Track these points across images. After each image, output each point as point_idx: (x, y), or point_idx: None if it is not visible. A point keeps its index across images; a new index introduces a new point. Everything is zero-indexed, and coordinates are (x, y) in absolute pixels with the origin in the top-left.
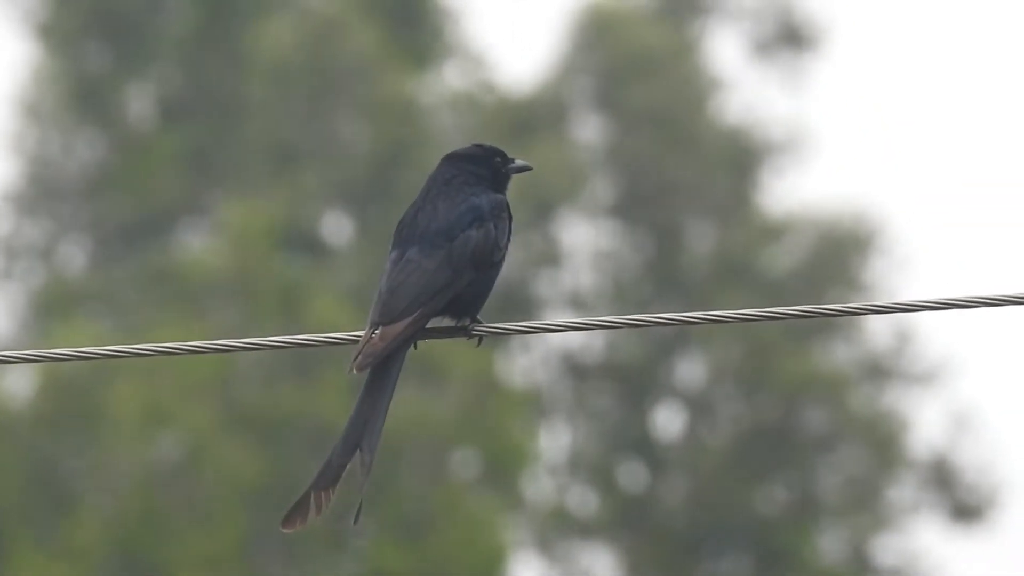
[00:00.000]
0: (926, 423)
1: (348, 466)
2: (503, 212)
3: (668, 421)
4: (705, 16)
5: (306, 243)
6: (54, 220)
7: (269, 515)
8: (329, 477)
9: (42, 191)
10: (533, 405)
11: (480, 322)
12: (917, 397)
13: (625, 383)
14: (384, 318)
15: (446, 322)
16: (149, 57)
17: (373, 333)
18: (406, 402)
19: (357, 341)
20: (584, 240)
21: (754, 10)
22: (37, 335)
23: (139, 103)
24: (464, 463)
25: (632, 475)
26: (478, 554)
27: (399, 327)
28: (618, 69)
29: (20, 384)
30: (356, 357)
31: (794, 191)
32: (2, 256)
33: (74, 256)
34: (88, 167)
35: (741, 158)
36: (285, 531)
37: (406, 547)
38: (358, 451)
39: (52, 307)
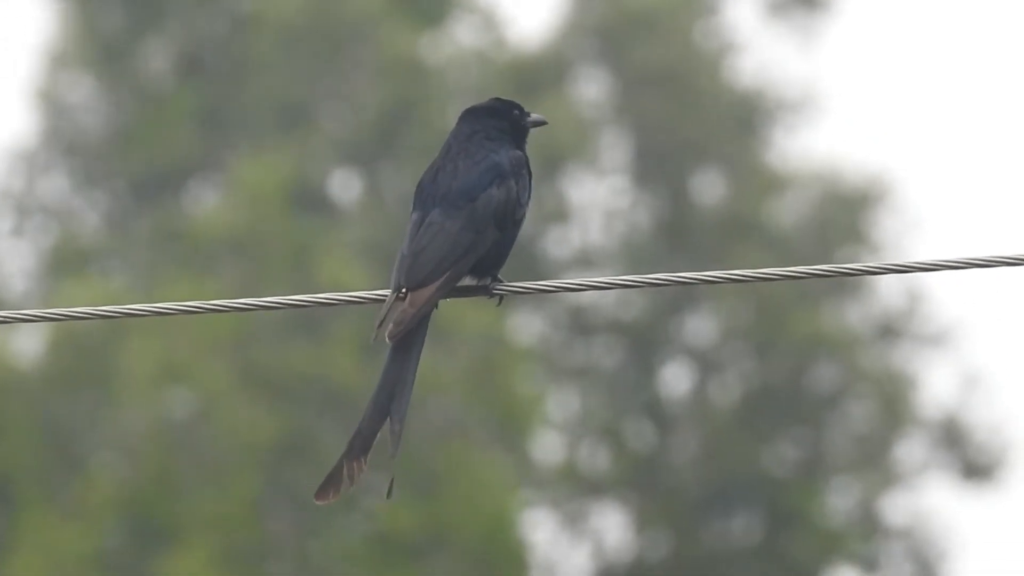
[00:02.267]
0: (937, 383)
1: (379, 434)
2: (523, 169)
3: (677, 379)
4: None
5: (315, 201)
6: (68, 177)
7: (281, 474)
8: (360, 446)
9: (56, 148)
10: (542, 364)
11: (501, 281)
12: (928, 357)
13: (634, 341)
14: (411, 282)
15: (467, 281)
16: (163, 15)
17: (399, 297)
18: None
19: (375, 300)
20: (593, 197)
21: None
22: (49, 292)
23: (153, 61)
24: (473, 422)
25: (641, 434)
26: (488, 514)
27: (428, 292)
28: (623, 26)
29: (31, 342)
30: (381, 324)
31: (804, 149)
32: (16, 213)
33: (87, 213)
34: (102, 125)
35: (750, 116)
36: (319, 503)
37: (416, 507)
38: (387, 419)
39: (65, 265)
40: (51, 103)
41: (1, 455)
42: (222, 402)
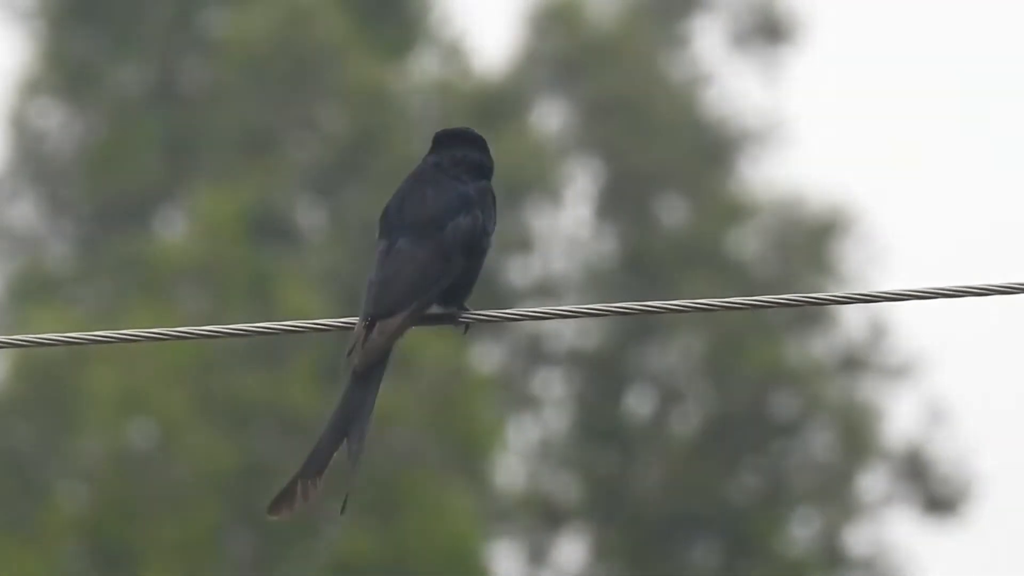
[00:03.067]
0: (900, 415)
1: (335, 454)
2: (487, 197)
3: (638, 408)
4: (681, 7)
5: (278, 230)
6: (35, 204)
7: (241, 502)
8: (316, 465)
9: (24, 175)
10: (502, 392)
11: (467, 310)
12: (891, 389)
13: (594, 369)
14: (380, 311)
15: (433, 310)
16: (132, 42)
17: (367, 326)
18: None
19: (342, 328)
20: (554, 227)
21: (726, 2)
22: (14, 319)
23: (121, 88)
24: (433, 451)
25: (602, 462)
26: (448, 540)
27: (397, 320)
28: (583, 55)
29: None
30: (351, 352)
31: (768, 179)
32: None
33: (54, 240)
34: (70, 151)
35: (712, 145)
36: (272, 518)
37: (377, 535)
38: (345, 440)
39: (31, 292)
40: (20, 129)
41: None
42: (182, 430)
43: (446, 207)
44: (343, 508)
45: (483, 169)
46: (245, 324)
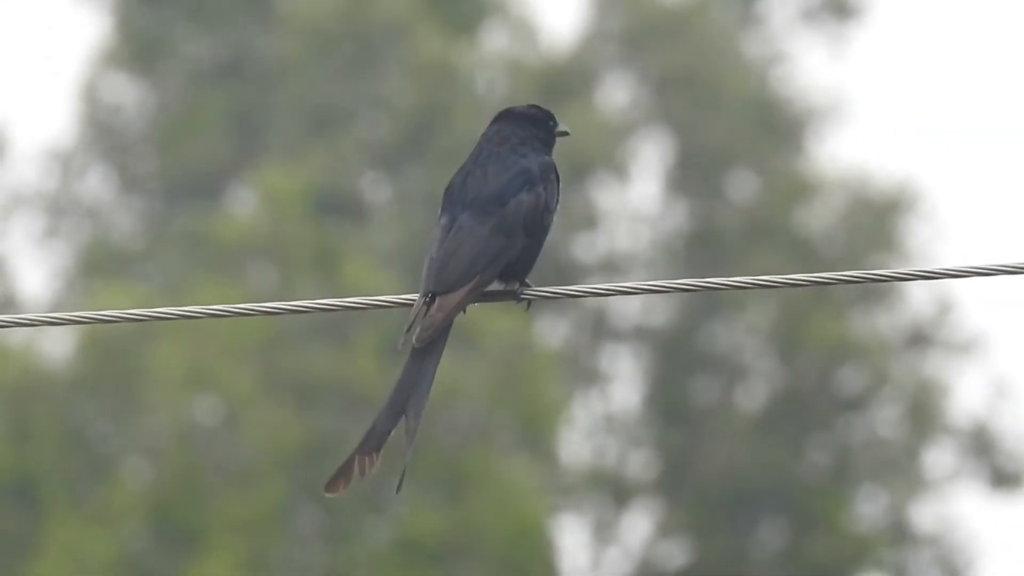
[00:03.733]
0: (966, 391)
1: (393, 431)
2: (551, 174)
3: (704, 384)
4: None
5: (344, 206)
6: (104, 179)
7: (307, 479)
8: (374, 442)
9: (94, 150)
10: (568, 369)
11: (529, 286)
12: (957, 365)
13: (661, 346)
14: (439, 286)
15: (495, 286)
16: (200, 19)
17: (427, 302)
18: (442, 365)
19: (403, 305)
20: (620, 203)
21: None
22: (81, 296)
23: (187, 64)
24: (499, 427)
25: (668, 439)
26: (514, 519)
27: (457, 296)
28: (649, 30)
29: (59, 345)
30: (409, 328)
31: (834, 155)
32: (51, 213)
33: (121, 216)
34: (138, 127)
35: (779, 121)
36: (329, 495)
37: (443, 512)
38: (403, 417)
39: (97, 268)
40: (92, 103)
41: (27, 458)
42: (248, 406)
43: (508, 184)
44: (399, 486)
45: (543, 145)
46: (304, 301)
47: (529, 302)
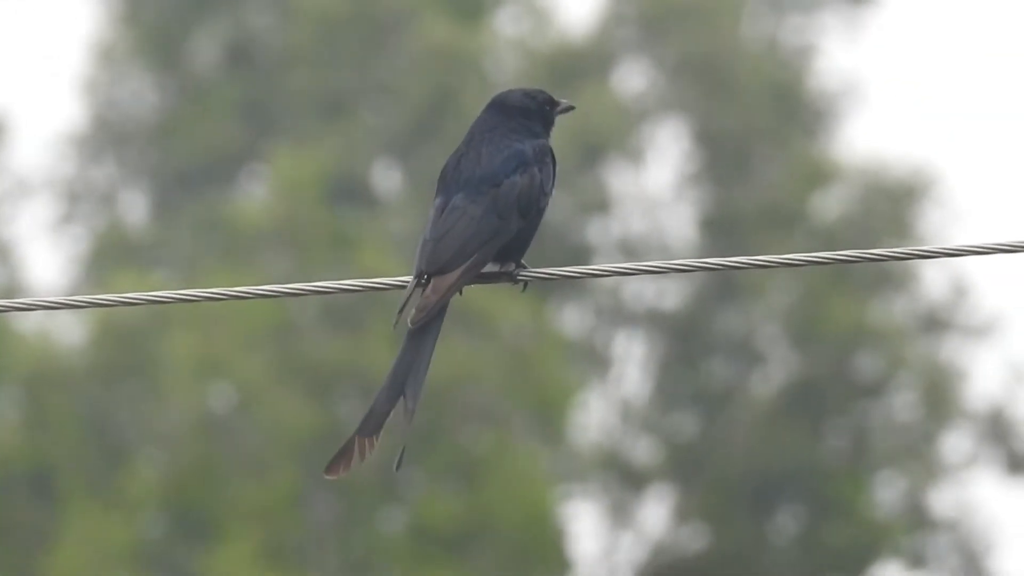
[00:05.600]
0: (982, 375)
1: (392, 413)
2: (547, 157)
3: (720, 369)
4: None
5: (356, 192)
6: (117, 165)
7: (321, 466)
8: (373, 424)
9: (105, 138)
10: (582, 353)
11: (525, 267)
12: (973, 349)
13: (675, 331)
14: (432, 267)
15: (490, 268)
16: (209, 7)
17: (422, 283)
18: (455, 351)
19: (400, 287)
20: (635, 187)
21: None
22: (95, 283)
23: (199, 53)
24: (512, 412)
25: (684, 424)
26: (527, 504)
27: (451, 278)
28: (665, 15)
29: (74, 333)
30: (402, 309)
31: (850, 141)
32: (66, 199)
33: (134, 203)
34: (149, 115)
35: (794, 107)
36: (329, 477)
37: (456, 498)
38: (401, 398)
39: (110, 255)
40: (99, 93)
41: (44, 447)
42: (261, 394)
43: (502, 165)
44: (398, 464)
45: (538, 127)
46: (300, 284)
47: (525, 283)
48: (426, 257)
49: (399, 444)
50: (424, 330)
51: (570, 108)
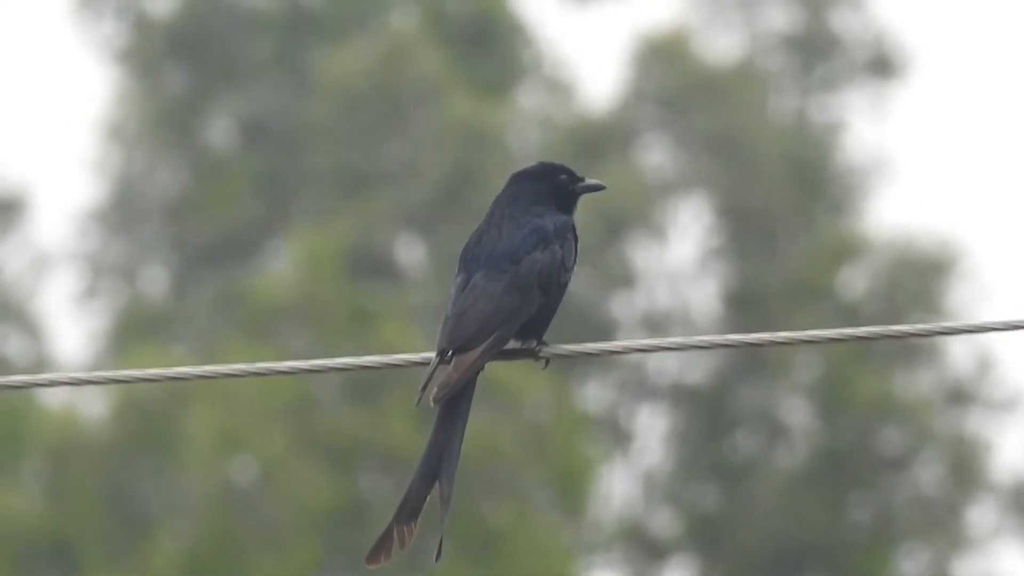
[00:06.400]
0: (1008, 448)
1: (428, 498)
2: (568, 233)
3: (744, 442)
4: (790, 46)
5: (378, 267)
6: (136, 241)
7: (340, 538)
8: (410, 510)
9: (124, 214)
10: (606, 427)
11: (546, 344)
12: (998, 422)
13: (700, 405)
14: (453, 344)
15: (512, 344)
16: (225, 82)
17: (444, 361)
18: (476, 425)
19: (421, 364)
20: (658, 263)
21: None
22: (118, 357)
23: (217, 128)
24: (535, 485)
25: (706, 496)
26: (550, 575)
27: (473, 355)
28: (687, 92)
29: (96, 406)
30: (424, 387)
31: (876, 216)
32: (89, 273)
33: (154, 278)
34: (168, 189)
35: (819, 183)
36: (370, 567)
37: (478, 570)
38: (436, 482)
39: (131, 330)
40: (117, 169)
41: (66, 518)
42: (282, 467)
43: (522, 241)
44: (438, 554)
45: (559, 203)
46: (320, 360)
47: (547, 360)
48: (447, 334)
49: (436, 532)
50: (454, 410)
51: (600, 187)
